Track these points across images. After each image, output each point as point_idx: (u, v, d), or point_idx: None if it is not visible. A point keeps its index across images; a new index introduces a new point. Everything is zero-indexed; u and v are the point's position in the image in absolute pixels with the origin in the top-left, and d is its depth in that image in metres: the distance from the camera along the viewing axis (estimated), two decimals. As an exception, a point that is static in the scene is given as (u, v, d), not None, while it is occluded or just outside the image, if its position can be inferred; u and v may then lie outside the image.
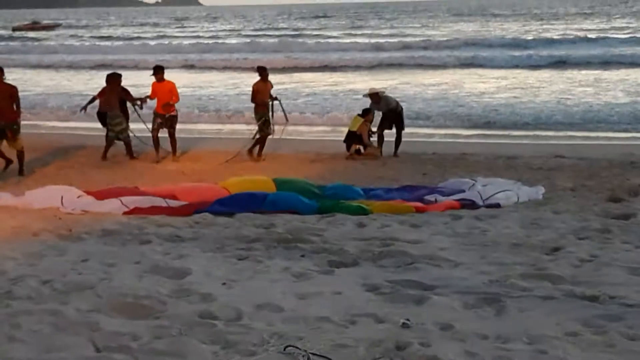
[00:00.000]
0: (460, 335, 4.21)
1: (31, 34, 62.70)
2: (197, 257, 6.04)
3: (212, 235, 6.86)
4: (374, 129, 12.68)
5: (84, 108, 12.19)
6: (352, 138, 12.49)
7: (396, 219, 7.57)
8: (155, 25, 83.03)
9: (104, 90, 12.10)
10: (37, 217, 7.65)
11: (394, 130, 12.59)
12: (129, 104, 12.31)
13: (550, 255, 6.07)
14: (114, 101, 12.00)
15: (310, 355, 3.91)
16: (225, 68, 31.70)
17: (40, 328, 4.34)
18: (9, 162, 10.83)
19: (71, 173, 10.78)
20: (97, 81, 12.18)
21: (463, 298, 4.86)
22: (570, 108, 17.91)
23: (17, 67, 33.80)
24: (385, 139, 12.61)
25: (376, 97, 12.68)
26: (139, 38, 54.43)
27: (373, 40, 42.04)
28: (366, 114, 12.63)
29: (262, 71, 12.51)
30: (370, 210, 8.05)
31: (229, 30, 66.25)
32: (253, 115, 12.71)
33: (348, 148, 12.50)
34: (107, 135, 12.11)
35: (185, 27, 75.98)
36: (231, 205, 8.11)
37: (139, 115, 12.42)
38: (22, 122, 11.17)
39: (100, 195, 8.48)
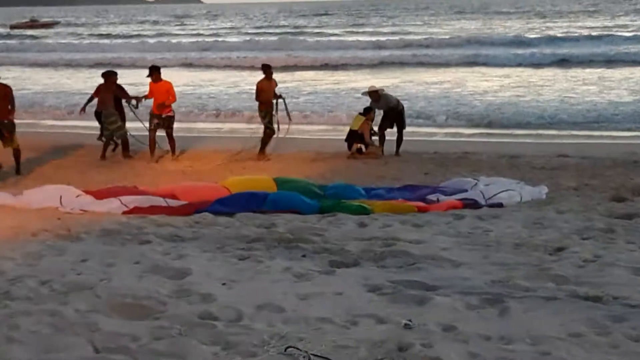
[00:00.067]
0: (462, 336, 4.18)
1: (29, 32, 62.65)
2: (197, 257, 6.01)
3: (212, 235, 6.83)
4: (375, 129, 12.65)
5: (83, 109, 12.18)
6: (354, 137, 12.46)
7: (398, 219, 7.54)
8: (155, 23, 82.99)
9: (99, 88, 12.06)
10: (35, 217, 7.62)
11: (395, 129, 12.55)
12: (124, 102, 12.27)
13: (553, 255, 6.03)
14: (108, 99, 11.96)
15: (311, 356, 3.89)
16: (225, 66, 31.68)
17: (39, 329, 4.31)
18: None
19: (70, 172, 10.76)
20: (96, 80, 12.15)
21: (465, 298, 4.82)
22: (574, 107, 17.89)
23: (15, 65, 33.88)
24: (386, 138, 12.58)
25: (375, 95, 12.65)
26: (138, 36, 54.34)
27: (374, 38, 41.96)
28: (367, 112, 12.60)
29: (267, 69, 12.41)
30: (372, 209, 8.02)
31: (230, 28, 66.20)
32: (258, 114, 12.64)
33: (349, 147, 12.46)
34: (101, 134, 12.08)
35: (185, 24, 75.96)
36: (232, 204, 8.08)
37: (134, 113, 12.37)
38: (20, 121, 11.16)
39: (100, 195, 8.46)
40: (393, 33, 47.59)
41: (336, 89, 23.05)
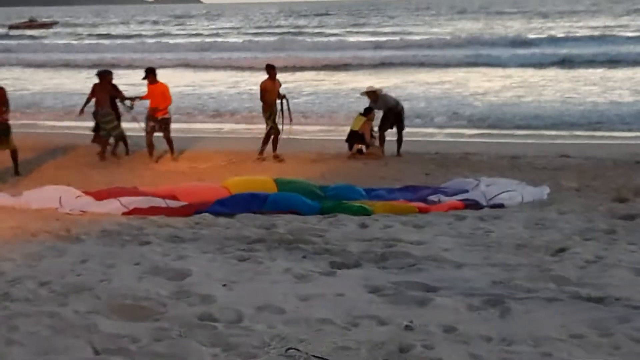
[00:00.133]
0: (464, 337, 4.16)
1: (28, 32, 62.70)
2: (197, 258, 5.99)
3: (212, 236, 6.81)
4: (376, 129, 12.62)
5: (81, 111, 12.16)
6: (354, 137, 12.44)
7: (399, 220, 7.53)
8: (155, 23, 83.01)
9: (94, 88, 12.05)
10: (35, 218, 7.61)
11: (395, 130, 12.53)
12: (118, 102, 12.26)
13: (555, 256, 6.01)
14: (104, 99, 11.94)
15: (311, 357, 3.87)
16: (225, 67, 31.67)
17: (38, 330, 4.29)
18: None
19: (69, 173, 10.73)
20: (95, 80, 12.13)
21: (467, 300, 4.81)
22: (576, 107, 17.84)
23: (14, 65, 33.84)
24: (386, 138, 12.55)
25: (373, 95, 12.62)
26: (138, 36, 54.32)
27: (375, 39, 41.92)
28: (368, 112, 12.56)
29: (271, 69, 12.33)
30: (373, 210, 8.00)
31: (229, 28, 66.20)
32: (262, 114, 12.60)
33: (350, 148, 12.44)
34: (94, 137, 12.06)
35: (185, 25, 75.96)
36: (232, 205, 8.06)
37: (129, 113, 12.34)
38: (19, 122, 11.14)
39: (99, 196, 8.44)
40: (394, 33, 47.52)
41: (336, 89, 23.01)
